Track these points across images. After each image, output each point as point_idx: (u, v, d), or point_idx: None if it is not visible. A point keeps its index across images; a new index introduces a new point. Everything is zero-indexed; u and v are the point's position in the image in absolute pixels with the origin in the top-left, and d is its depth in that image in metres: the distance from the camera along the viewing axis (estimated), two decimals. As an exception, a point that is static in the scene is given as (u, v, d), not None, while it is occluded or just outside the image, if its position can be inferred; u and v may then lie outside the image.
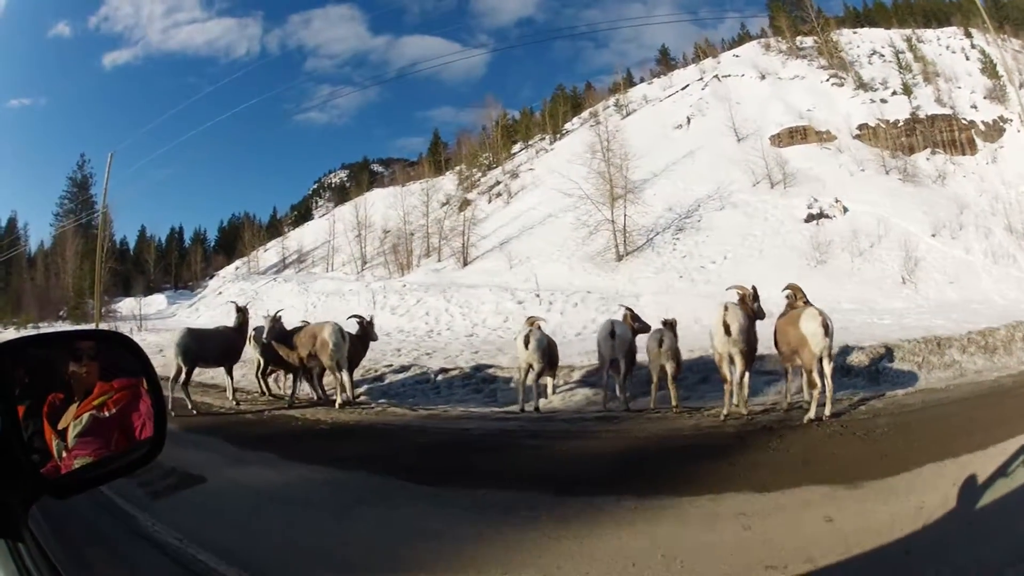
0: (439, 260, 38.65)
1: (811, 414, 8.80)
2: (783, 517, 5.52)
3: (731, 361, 9.44)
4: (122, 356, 2.58)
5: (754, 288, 10.50)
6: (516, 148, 60.54)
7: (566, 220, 36.32)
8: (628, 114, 52.90)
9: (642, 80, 69.93)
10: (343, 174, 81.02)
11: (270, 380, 14.31)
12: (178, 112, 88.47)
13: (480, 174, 53.87)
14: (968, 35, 58.59)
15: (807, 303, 9.99)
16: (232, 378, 13.56)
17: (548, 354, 11.52)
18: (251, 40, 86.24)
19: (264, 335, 12.85)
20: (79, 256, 46.88)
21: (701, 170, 39.01)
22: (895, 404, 9.57)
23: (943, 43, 58.80)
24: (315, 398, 13.24)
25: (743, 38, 71.50)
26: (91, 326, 32.14)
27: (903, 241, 29.55)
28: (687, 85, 58.10)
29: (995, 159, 42.68)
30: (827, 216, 33.76)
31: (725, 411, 9.44)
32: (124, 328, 32.28)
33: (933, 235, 31.87)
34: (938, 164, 41.86)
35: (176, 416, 11.56)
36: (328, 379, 13.43)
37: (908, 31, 60.80)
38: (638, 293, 24.74)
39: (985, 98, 48.52)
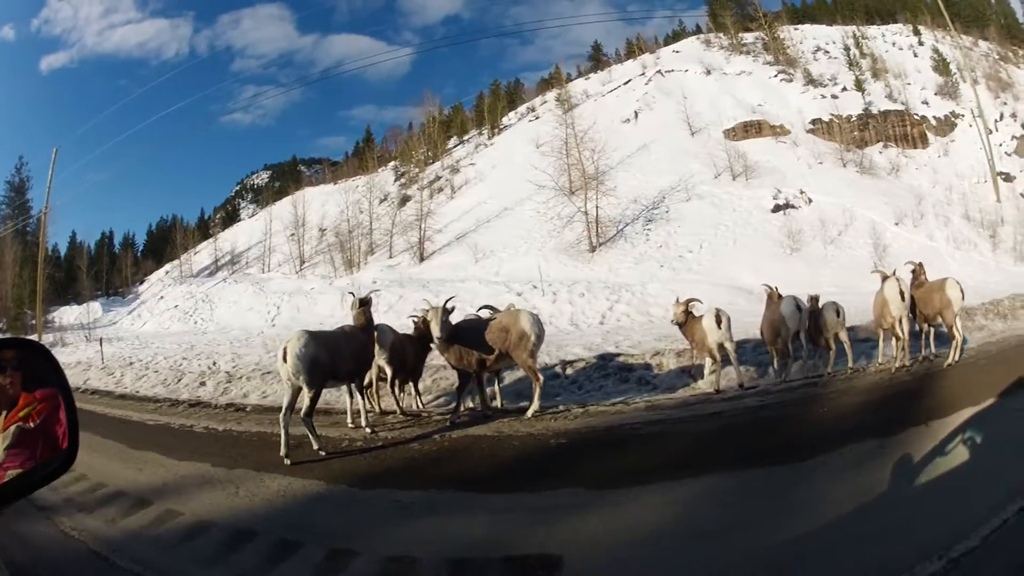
0: (391, 256, 40.01)
1: (954, 357, 11.81)
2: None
3: (900, 323, 12.08)
4: (40, 365, 2.84)
5: (921, 264, 13.32)
6: (451, 143, 62.72)
7: (525, 213, 38.78)
8: (570, 108, 55.38)
9: (578, 75, 74.58)
10: (265, 175, 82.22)
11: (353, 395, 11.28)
12: (108, 116, 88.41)
13: (418, 170, 55.57)
14: (916, 32, 64.80)
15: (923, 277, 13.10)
16: (363, 396, 10.76)
17: None
18: (181, 41, 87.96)
19: (439, 331, 10.57)
20: (17, 263, 46.32)
21: (659, 163, 42.00)
22: (978, 352, 12.81)
23: (889, 40, 64.82)
24: (465, 408, 11.31)
25: (680, 34, 75.59)
26: (34, 336, 32.15)
27: (869, 229, 33.72)
28: (629, 80, 61.43)
29: (947, 152, 48.09)
30: (793, 206, 37.42)
31: (898, 364, 12.04)
32: (73, 338, 32.67)
33: (896, 224, 36.18)
34: (891, 157, 46.79)
35: (302, 464, 8.64)
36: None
37: (852, 28, 66.28)
38: (622, 283, 27.07)
39: (936, 94, 54.01)
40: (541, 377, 10.73)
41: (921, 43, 63.26)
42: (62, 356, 21.06)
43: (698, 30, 75.43)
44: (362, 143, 72.73)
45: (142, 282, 53.26)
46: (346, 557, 5.54)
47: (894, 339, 12.33)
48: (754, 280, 26.38)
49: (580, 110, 42.72)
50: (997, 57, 60.71)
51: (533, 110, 65.04)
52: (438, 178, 51.18)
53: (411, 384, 12.23)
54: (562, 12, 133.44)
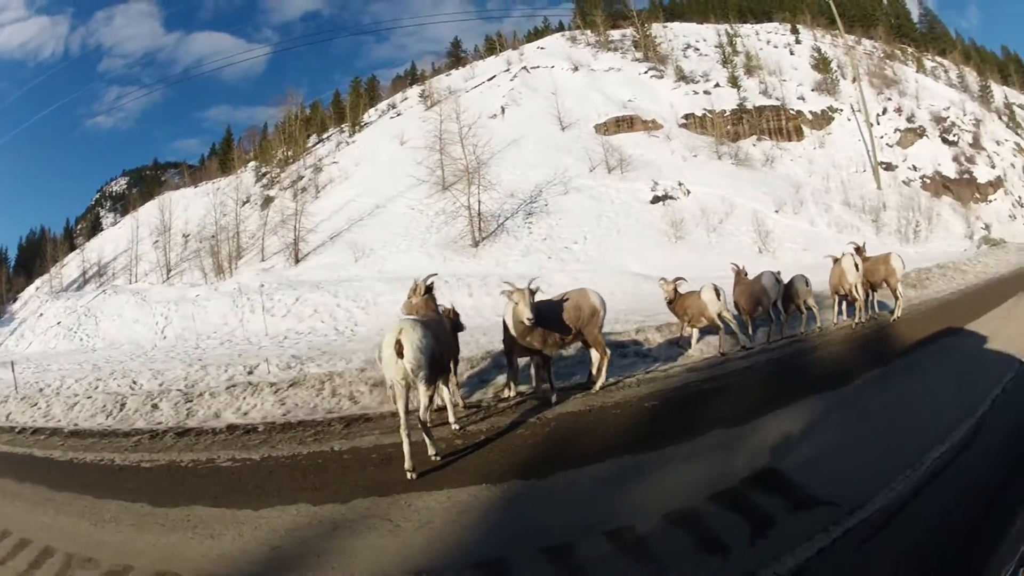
0: (263, 260, 39.78)
1: (898, 314, 15.87)
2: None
3: (856, 289, 15.40)
4: None
5: (864, 245, 17.05)
6: (311, 142, 62.96)
7: (399, 209, 39.98)
8: (433, 104, 56.71)
9: (434, 72, 75.94)
10: (124, 181, 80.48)
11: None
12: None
13: (279, 170, 55.65)
14: (795, 31, 70.36)
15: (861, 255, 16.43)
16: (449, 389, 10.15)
17: None
18: (57, 40, 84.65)
19: (530, 313, 9.82)
20: None
21: (531, 157, 43.62)
22: (910, 311, 16.91)
23: (764, 37, 69.70)
24: (502, 395, 11.00)
25: (544, 31, 78.25)
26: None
27: (751, 217, 36.62)
28: (494, 76, 63.14)
29: (823, 144, 52.81)
30: (672, 197, 39.93)
31: (858, 319, 15.53)
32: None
33: (776, 211, 39.34)
34: (765, 149, 50.95)
35: (429, 475, 7.63)
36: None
37: (725, 26, 70.89)
38: (511, 275, 28.05)
39: (813, 90, 59.17)
40: (608, 352, 11.15)
41: (799, 41, 69.31)
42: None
43: (561, 27, 78.20)
44: (220, 144, 72.42)
45: (15, 300, 51.04)
46: (630, 531, 5.72)
47: (845, 303, 16.17)
48: (641, 267, 28.40)
49: (445, 106, 43.48)
50: (883, 55, 67.53)
51: (394, 107, 66.20)
52: (301, 177, 51.23)
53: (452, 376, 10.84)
54: (420, 10, 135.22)
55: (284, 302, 27.01)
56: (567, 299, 10.80)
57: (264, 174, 56.92)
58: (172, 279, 40.91)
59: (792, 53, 66.80)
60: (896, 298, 15.87)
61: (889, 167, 51.03)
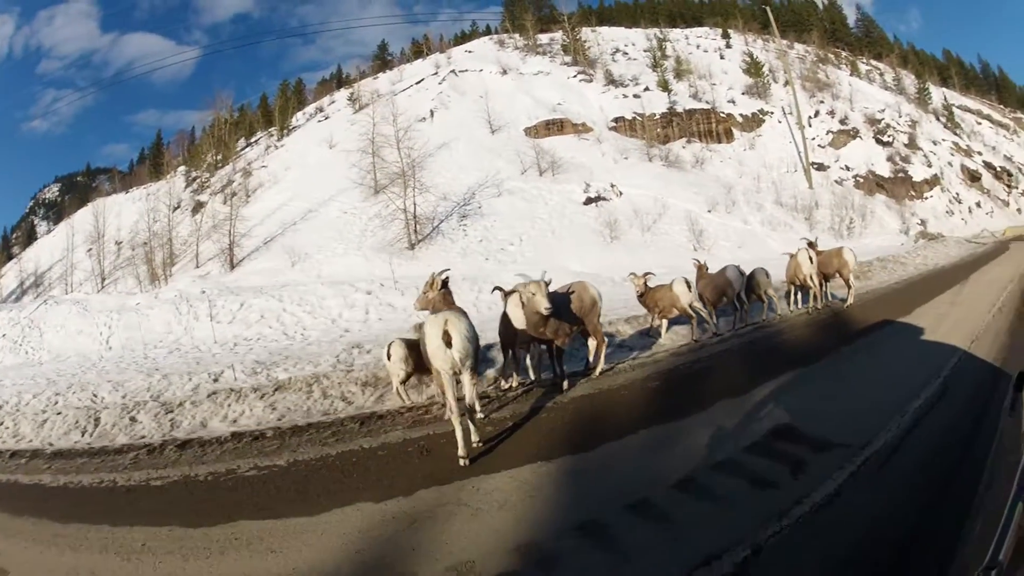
0: (197, 266, 39.73)
1: (850, 301, 17.58)
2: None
3: (811, 279, 17.40)
4: None
5: (816, 240, 18.98)
6: (240, 146, 62.93)
7: (331, 213, 40.55)
8: (361, 107, 57.31)
9: (361, 75, 77.42)
10: (56, 188, 79.45)
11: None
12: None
13: (208, 174, 55.61)
14: (726, 35, 72.81)
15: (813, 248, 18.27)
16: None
17: None
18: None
19: (548, 304, 10.33)
20: None
21: (463, 160, 44.71)
22: (860, 299, 18.54)
23: (693, 42, 72.16)
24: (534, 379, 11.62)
25: (471, 34, 79.51)
26: None
27: (684, 217, 38.30)
28: (422, 79, 64.02)
29: (753, 146, 55.17)
30: (605, 199, 41.42)
31: (812, 306, 17.50)
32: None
33: (709, 211, 41.09)
34: (695, 151, 53.04)
35: (482, 460, 7.94)
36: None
37: (654, 30, 73.27)
38: (474, 275, 28.63)
39: (744, 94, 61.70)
40: (606, 339, 12.01)
41: (729, 46, 72.38)
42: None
43: (489, 31, 79.39)
44: (151, 149, 72.11)
45: None
46: (691, 480, 6.64)
47: (801, 292, 18.12)
48: (580, 267, 29.44)
49: (378, 109, 43.88)
50: (816, 59, 71.61)
51: (322, 110, 66.87)
52: (231, 182, 51.22)
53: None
54: (347, 11, 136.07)
55: (229, 308, 26.36)
56: (572, 291, 11.52)
57: (194, 179, 56.78)
58: (107, 287, 40.42)
59: (723, 57, 69.78)
60: (848, 287, 17.79)
61: (821, 167, 53.73)
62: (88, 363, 21.82)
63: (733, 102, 60.23)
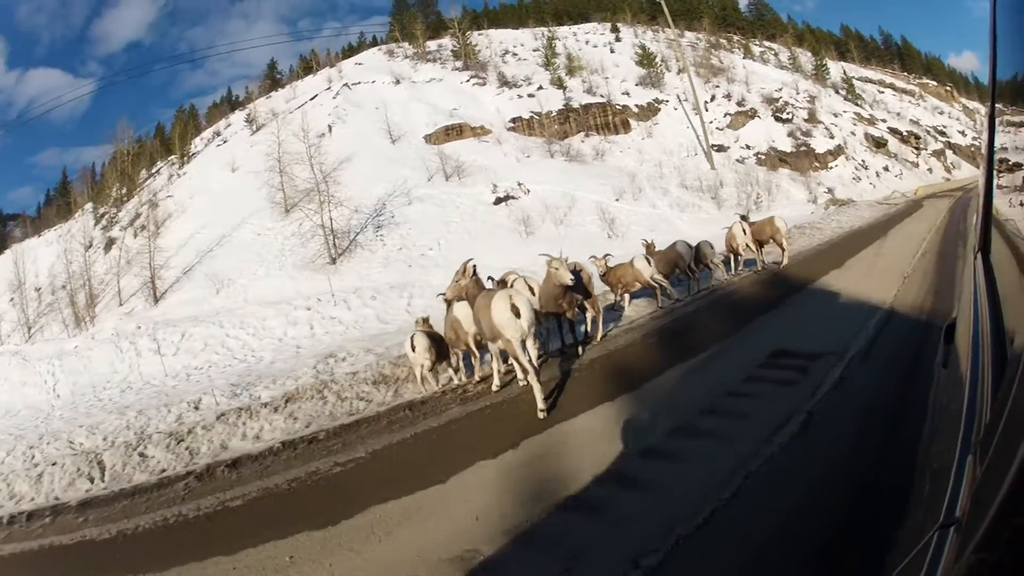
0: (121, 304, 39.50)
1: (785, 262, 21.08)
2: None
3: (748, 247, 20.86)
4: None
5: (748, 215, 23.92)
6: (143, 177, 62.49)
7: (246, 236, 41.26)
8: (258, 128, 57.78)
9: (246, 97, 78.55)
10: None
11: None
12: None
13: (115, 209, 55.15)
14: (615, 29, 75.63)
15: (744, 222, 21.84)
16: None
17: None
18: None
19: (568, 278, 11.96)
20: None
21: (368, 172, 45.47)
22: (792, 260, 21.85)
23: (582, 38, 74.81)
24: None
25: (359, 46, 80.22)
26: None
27: (594, 207, 40.67)
28: (316, 95, 64.60)
29: (650, 135, 58.33)
30: (514, 197, 43.60)
31: (755, 269, 21.22)
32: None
33: (617, 199, 43.68)
34: (594, 144, 55.42)
35: (551, 420, 9.37)
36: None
37: (542, 29, 75.75)
38: (379, 286, 29.74)
39: (638, 85, 64.85)
40: (601, 308, 14.56)
41: (619, 39, 75.19)
42: None
43: (376, 42, 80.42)
44: (57, 189, 71.30)
45: None
46: (733, 388, 9.41)
47: (734, 259, 21.43)
48: (502, 263, 30.59)
49: (282, 127, 44.29)
50: (708, 45, 75.27)
51: (219, 134, 67.09)
52: (138, 215, 50.99)
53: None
54: (232, 33, 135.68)
55: (170, 340, 26.71)
56: (580, 269, 13.54)
57: (103, 215, 56.09)
58: (34, 336, 40.10)
59: (613, 51, 73.03)
60: (783, 250, 21.31)
61: (721, 148, 57.06)
62: (42, 414, 21.23)
63: (627, 94, 62.91)
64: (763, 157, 57.46)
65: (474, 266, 12.14)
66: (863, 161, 62.79)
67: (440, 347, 12.99)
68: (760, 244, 21.57)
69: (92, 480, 11.43)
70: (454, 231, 38.47)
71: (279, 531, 7.25)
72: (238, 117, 69.24)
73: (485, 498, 7.08)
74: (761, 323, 13.57)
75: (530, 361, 9.87)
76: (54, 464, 12.28)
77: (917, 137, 72.90)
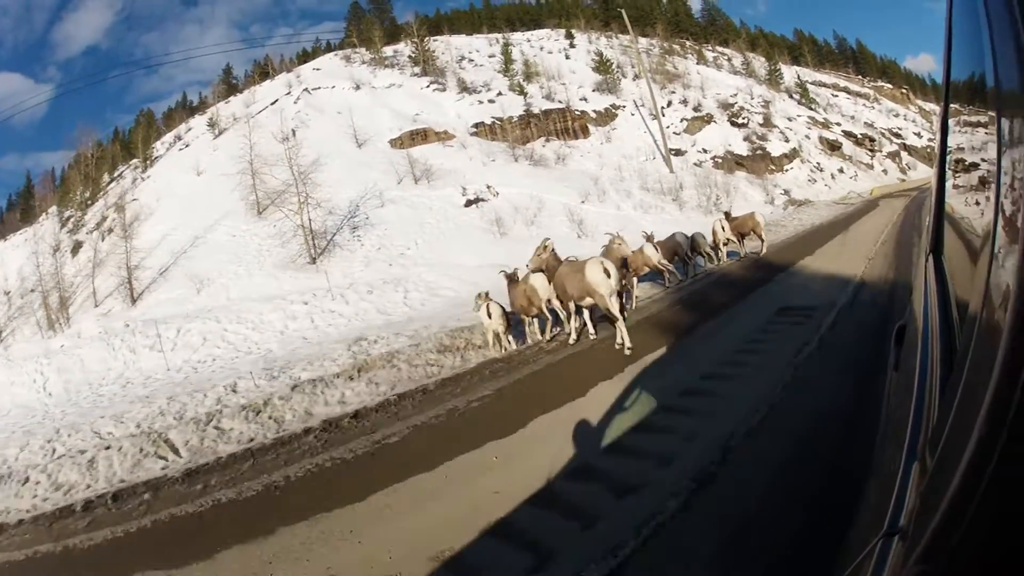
0: (96, 305, 39.73)
1: (763, 251, 25.16)
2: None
3: (730, 240, 24.92)
4: None
5: (729, 211, 28.01)
6: (105, 180, 62.60)
7: (219, 239, 42.02)
8: (221, 132, 58.52)
9: (199, 101, 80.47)
10: None
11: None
12: None
13: (81, 213, 55.26)
14: (569, 35, 77.42)
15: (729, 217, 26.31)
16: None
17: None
18: None
19: (629, 252, 16.88)
20: None
21: (337, 175, 45.69)
22: (769, 250, 25.91)
23: (536, 44, 76.75)
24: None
25: (315, 51, 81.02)
26: None
27: (561, 209, 42.90)
28: (276, 100, 65.48)
29: (609, 139, 61.22)
30: (483, 199, 45.48)
31: (739, 258, 25.34)
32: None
33: (583, 202, 45.97)
34: (555, 148, 57.99)
35: (635, 356, 12.63)
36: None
37: (496, 35, 77.22)
38: (359, 284, 30.60)
39: (595, 90, 67.25)
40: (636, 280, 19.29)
41: (573, 46, 77.44)
42: None
43: (331, 47, 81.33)
44: (20, 193, 71.27)
45: None
46: (763, 324, 13.08)
47: (715, 251, 24.74)
48: (480, 261, 32.07)
49: (249, 129, 44.76)
50: (663, 51, 77.38)
51: (180, 138, 67.53)
52: (104, 218, 51.18)
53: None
54: (185, 39, 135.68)
55: (167, 336, 27.20)
56: (619, 245, 16.59)
57: (68, 218, 56.28)
58: (5, 339, 39.92)
59: (568, 57, 75.69)
60: (762, 241, 25.59)
61: (679, 152, 59.27)
62: (36, 412, 21.09)
63: (585, 99, 65.12)
64: (720, 161, 59.66)
65: (551, 244, 16.09)
66: (818, 163, 65.04)
67: (506, 315, 15.75)
68: (742, 236, 25.87)
69: (165, 458, 11.87)
70: (429, 232, 39.78)
71: (452, 453, 8.75)
72: (198, 121, 70.06)
73: (618, 401, 9.84)
74: (760, 293, 17.20)
75: (620, 310, 13.27)
76: (107, 448, 12.53)
77: (872, 140, 75.35)
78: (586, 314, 14.90)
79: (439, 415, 10.97)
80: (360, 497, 7.92)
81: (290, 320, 26.40)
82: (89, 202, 57.64)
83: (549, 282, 15.05)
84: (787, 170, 61.61)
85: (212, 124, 64.29)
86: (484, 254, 33.61)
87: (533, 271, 15.58)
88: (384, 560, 6.30)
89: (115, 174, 64.38)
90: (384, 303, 27.38)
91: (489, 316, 15.33)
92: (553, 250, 15.85)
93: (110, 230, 47.47)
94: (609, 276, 13.13)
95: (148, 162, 63.65)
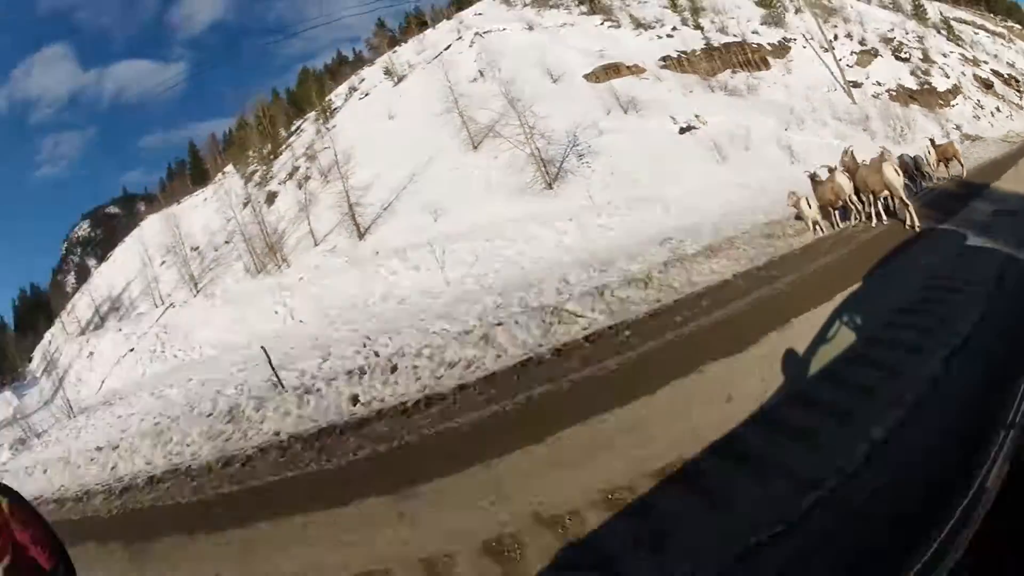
0: (315, 244, 41.08)
1: (964, 174, 27.84)
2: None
3: (937, 164, 28.35)
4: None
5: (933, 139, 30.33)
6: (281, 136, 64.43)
7: (439, 174, 42.37)
8: (401, 78, 59.59)
9: (355, 57, 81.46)
10: (86, 225, 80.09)
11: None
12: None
13: (265, 167, 56.93)
14: None
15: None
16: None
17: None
18: None
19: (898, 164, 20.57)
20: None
21: (541, 109, 45.45)
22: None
23: None
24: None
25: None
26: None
27: (769, 136, 43.94)
28: (449, 45, 65.71)
29: (789, 71, 60.35)
30: (695, 128, 45.89)
31: (947, 177, 28.02)
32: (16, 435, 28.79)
33: (786, 129, 46.41)
34: (744, 80, 57.51)
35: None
36: None
37: None
38: (596, 207, 31.86)
39: (762, 24, 66.52)
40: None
41: None
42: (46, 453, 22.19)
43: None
44: (178, 163, 74.26)
45: (30, 360, 49.91)
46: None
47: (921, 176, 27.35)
48: (702, 184, 32.82)
49: (411, 79, 45.61)
50: None
51: (355, 89, 68.27)
52: (296, 168, 52.74)
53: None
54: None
55: (426, 258, 28.26)
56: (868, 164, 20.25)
57: (253, 172, 58.52)
58: (204, 289, 41.14)
59: None
60: (961, 166, 28.37)
61: (856, 84, 58.34)
62: (292, 336, 24.40)
63: (757, 32, 64.77)
64: (894, 94, 58.88)
65: (853, 150, 21.72)
66: (978, 101, 63.79)
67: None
68: (946, 161, 28.78)
69: (577, 322, 14.70)
70: (653, 157, 39.77)
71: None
72: (369, 72, 70.67)
73: (923, 251, 15.31)
74: (977, 200, 20.65)
75: (908, 198, 18.00)
76: (429, 359, 14.73)
77: (1017, 80, 72.60)
78: (879, 204, 19.22)
79: (815, 269, 15.93)
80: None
81: (562, 235, 27.61)
82: (272, 156, 59.90)
83: (851, 180, 19.56)
84: (953, 105, 60.51)
85: (388, 72, 64.96)
86: (709, 178, 34.29)
87: (839, 171, 20.13)
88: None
89: (291, 129, 66.44)
90: (644, 217, 28.52)
91: (809, 206, 19.77)
92: (853, 155, 21.06)
93: (307, 177, 49.07)
94: (898, 174, 18.15)
95: (327, 113, 64.85)
